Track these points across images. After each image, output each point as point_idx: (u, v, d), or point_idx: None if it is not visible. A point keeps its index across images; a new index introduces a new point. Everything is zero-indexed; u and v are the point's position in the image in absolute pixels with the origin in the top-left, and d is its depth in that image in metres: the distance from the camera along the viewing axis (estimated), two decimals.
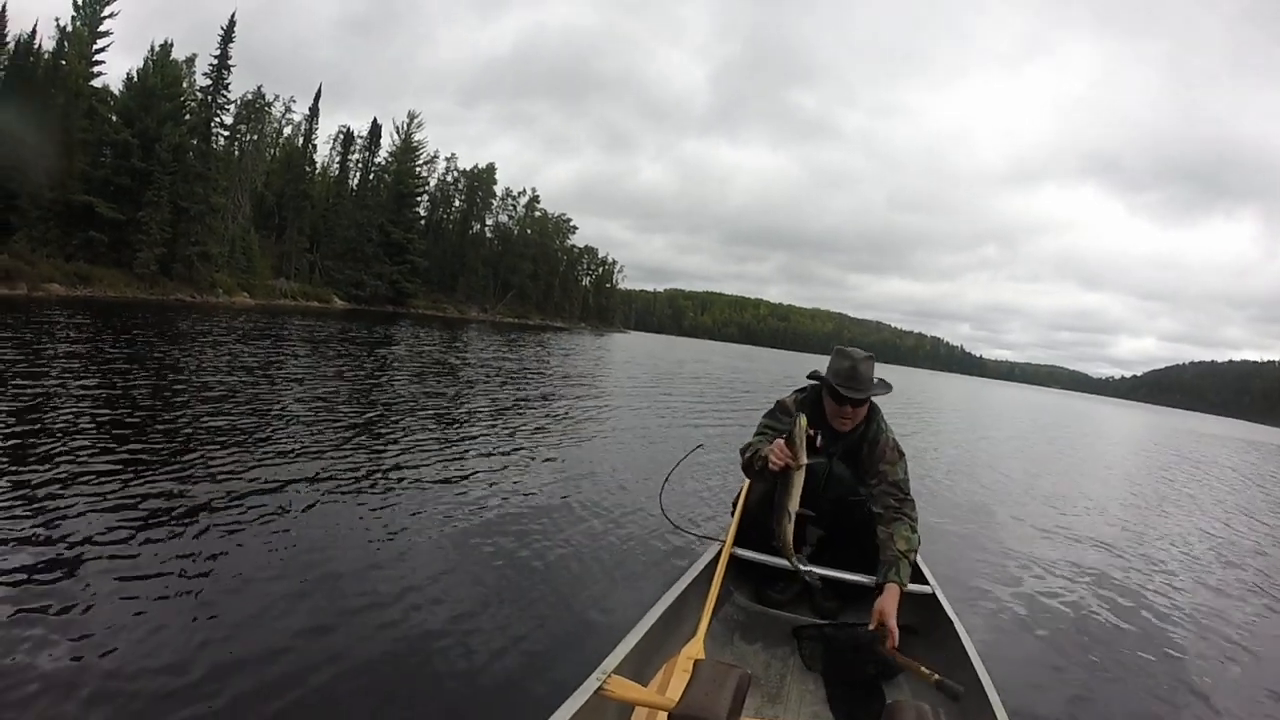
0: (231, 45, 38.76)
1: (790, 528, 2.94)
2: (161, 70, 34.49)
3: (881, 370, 3.32)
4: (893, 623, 2.75)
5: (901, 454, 3.33)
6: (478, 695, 2.79)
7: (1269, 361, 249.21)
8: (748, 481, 3.73)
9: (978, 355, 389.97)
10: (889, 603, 2.80)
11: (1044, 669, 3.81)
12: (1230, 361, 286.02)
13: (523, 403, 11.74)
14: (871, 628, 2.85)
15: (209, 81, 39.00)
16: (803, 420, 2.91)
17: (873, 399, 3.30)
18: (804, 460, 2.90)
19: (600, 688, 1.83)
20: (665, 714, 1.60)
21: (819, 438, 3.25)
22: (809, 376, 3.43)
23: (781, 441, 2.95)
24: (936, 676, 2.34)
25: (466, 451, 7.13)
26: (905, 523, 3.13)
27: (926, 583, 3.29)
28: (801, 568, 3.03)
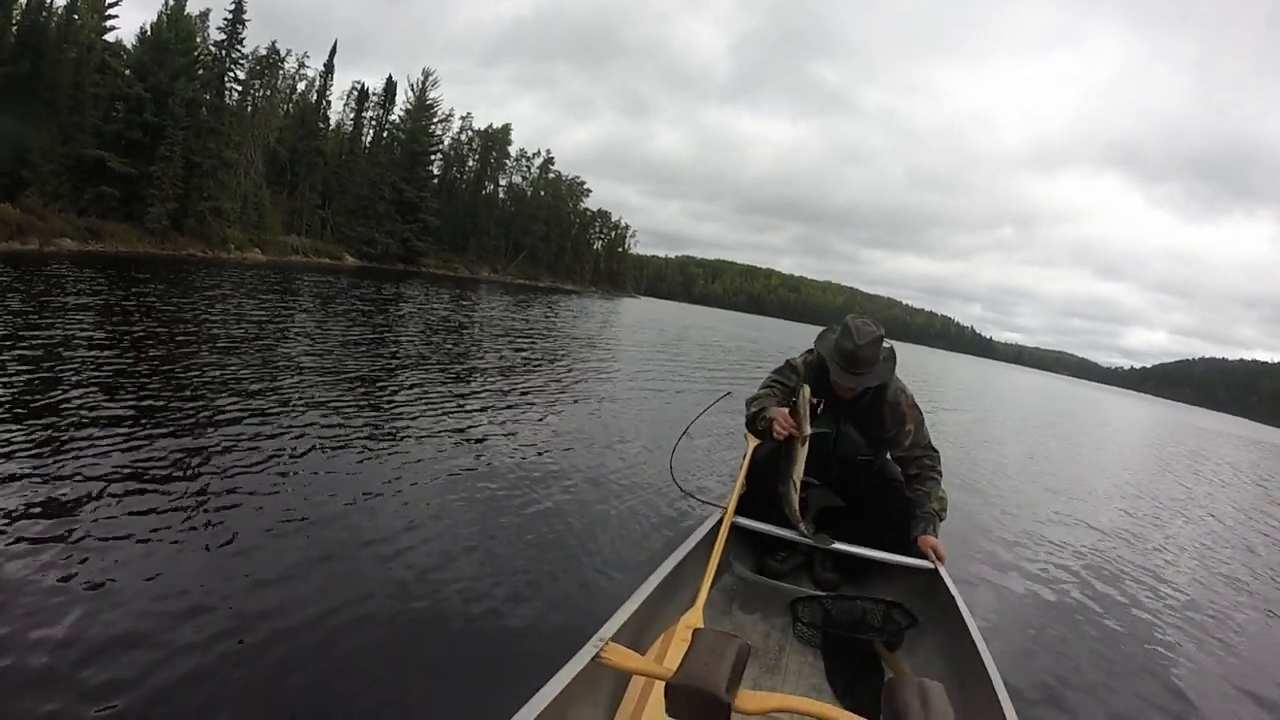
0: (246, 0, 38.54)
1: (796, 495, 3.05)
2: (175, 25, 34.23)
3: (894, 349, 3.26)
4: (942, 551, 3.09)
5: (920, 411, 3.42)
6: (476, 659, 2.83)
7: (1279, 362, 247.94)
8: (750, 449, 3.85)
9: (987, 337, 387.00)
10: (933, 541, 3.14)
11: (1044, 648, 3.86)
12: (1241, 360, 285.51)
13: (529, 363, 11.97)
14: (927, 562, 3.10)
15: (223, 36, 38.81)
16: (806, 391, 2.98)
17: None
18: (808, 431, 3.00)
19: (598, 655, 1.82)
20: (663, 683, 1.57)
21: (821, 406, 3.22)
22: (815, 340, 3.41)
23: (786, 411, 3.04)
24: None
25: (473, 411, 7.23)
26: (938, 481, 3.34)
27: (927, 557, 3.26)
28: (808, 534, 3.11)
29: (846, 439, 3.31)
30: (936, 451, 3.40)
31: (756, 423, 3.27)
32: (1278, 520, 11.12)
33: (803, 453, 3.01)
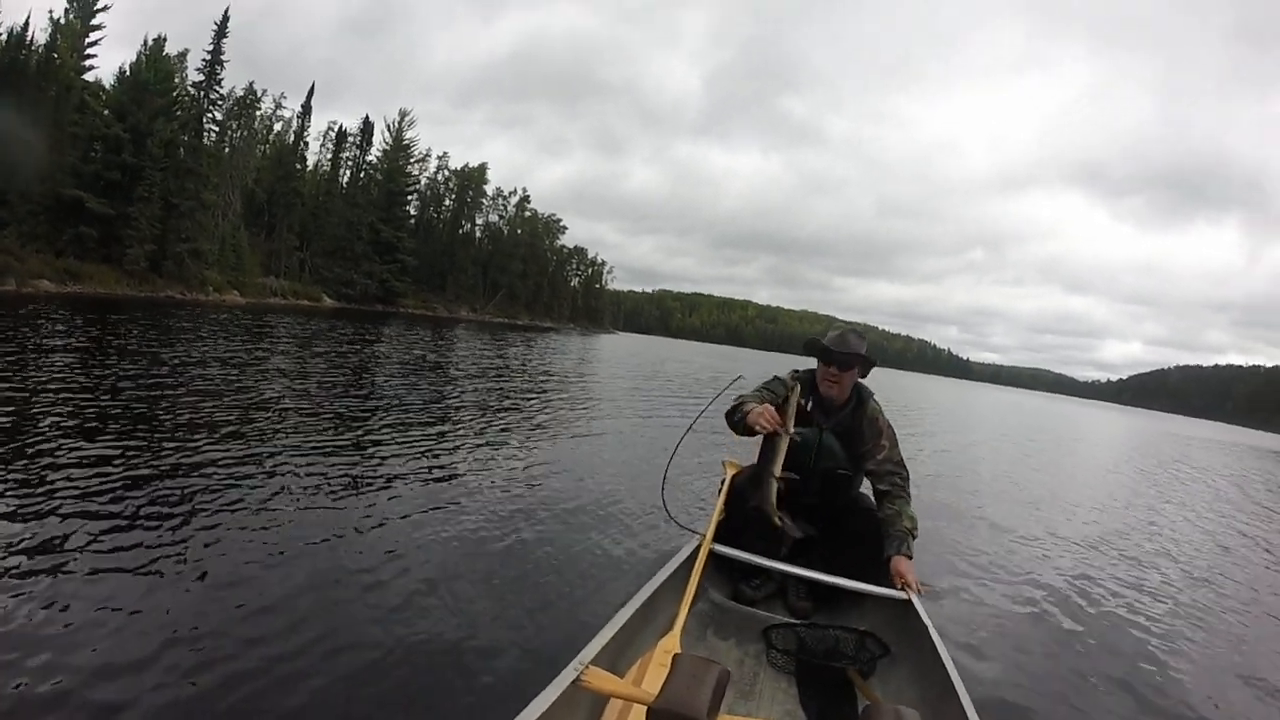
0: (225, 41, 38.58)
1: (774, 490, 3.09)
2: (154, 65, 34.14)
3: (871, 374, 3.54)
4: (913, 579, 3.07)
5: (894, 431, 3.55)
6: (456, 683, 2.82)
7: (1252, 366, 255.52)
8: (728, 476, 3.89)
9: (964, 358, 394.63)
10: (905, 565, 3.13)
11: (1018, 673, 3.81)
12: (1215, 366, 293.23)
13: (509, 400, 11.88)
14: (900, 593, 3.07)
15: (201, 77, 38.76)
16: (797, 389, 3.09)
17: (863, 388, 3.57)
18: (792, 427, 3.07)
19: (578, 678, 1.83)
20: (642, 706, 1.59)
21: (809, 404, 3.39)
22: (804, 345, 3.53)
23: (772, 407, 3.11)
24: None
25: (452, 447, 7.19)
26: (908, 500, 3.40)
27: (899, 584, 3.28)
28: (786, 525, 3.15)
29: (828, 450, 3.43)
30: (907, 471, 3.49)
31: (734, 415, 3.31)
32: (1258, 525, 11.20)
33: (784, 448, 3.08)
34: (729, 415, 3.38)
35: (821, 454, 3.43)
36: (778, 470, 3.09)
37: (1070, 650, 4.27)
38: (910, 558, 3.21)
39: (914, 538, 3.30)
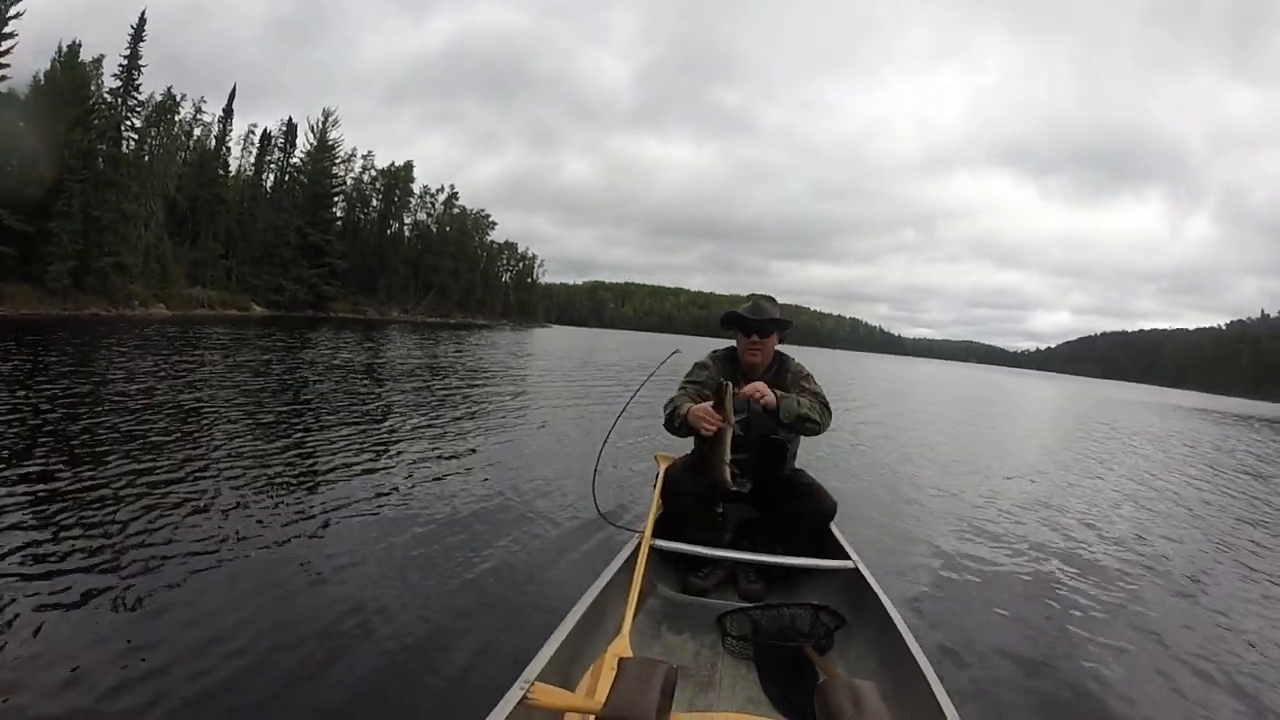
0: (142, 45, 37.26)
1: (727, 473, 3.16)
2: (70, 72, 33.04)
3: (801, 352, 3.75)
4: (762, 389, 3.21)
5: (816, 381, 3.62)
6: (398, 712, 2.75)
7: (1177, 329, 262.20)
8: (662, 470, 3.85)
9: (897, 334, 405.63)
10: (764, 387, 3.24)
11: (974, 637, 3.85)
12: (1141, 331, 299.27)
13: (440, 400, 12.00)
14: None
15: (118, 83, 37.39)
16: (729, 386, 3.11)
17: (782, 353, 3.67)
18: (733, 420, 3.13)
19: (524, 697, 1.79)
20: (593, 717, 1.55)
21: (738, 389, 3.29)
22: (721, 320, 3.65)
23: (709, 407, 3.14)
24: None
25: (384, 452, 7.21)
26: (819, 408, 3.43)
27: (848, 557, 3.29)
28: (739, 490, 3.33)
29: (760, 419, 3.39)
30: (829, 406, 3.52)
31: (674, 421, 3.36)
32: (1182, 475, 11.92)
33: (728, 438, 3.14)
34: (668, 422, 3.42)
35: (753, 421, 3.41)
36: (728, 457, 3.15)
37: (1022, 607, 4.39)
38: (780, 400, 3.26)
39: (796, 403, 3.33)
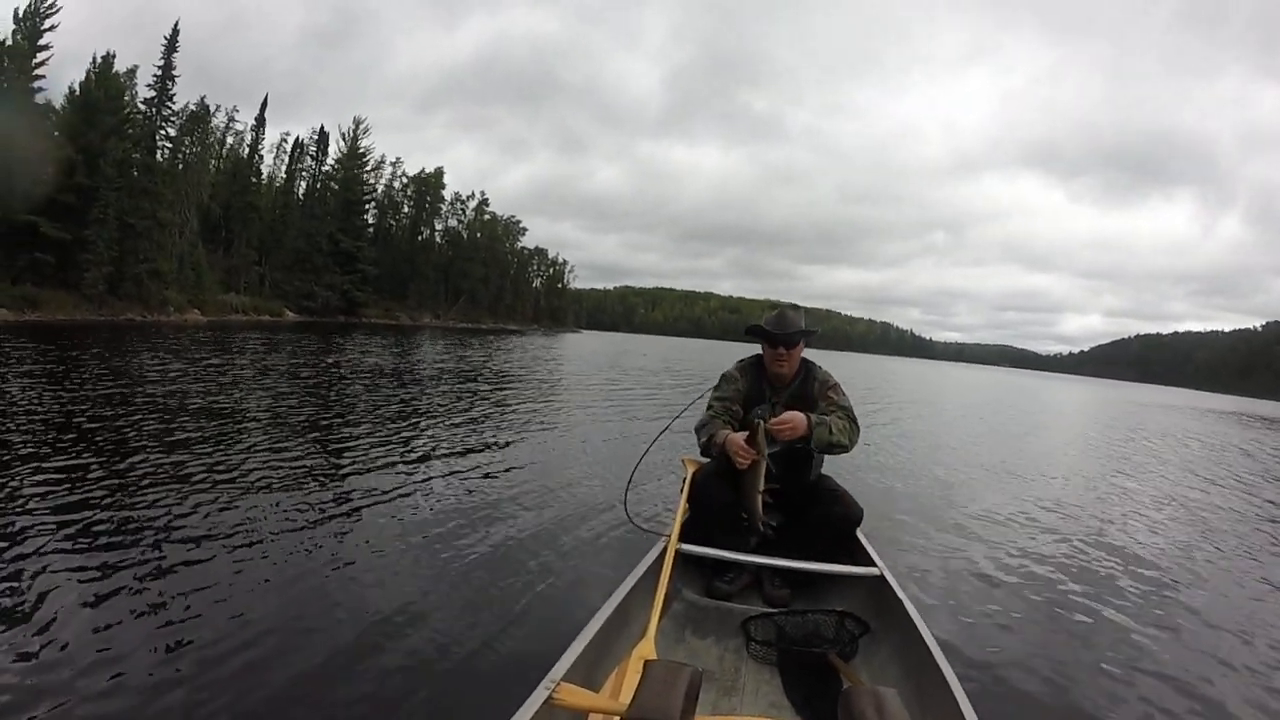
0: (176, 55, 37.93)
1: (760, 504, 3.15)
2: (104, 83, 33.56)
3: (832, 357, 3.65)
4: (795, 425, 3.18)
5: (843, 391, 3.63)
6: (423, 709, 2.75)
7: (1211, 331, 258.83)
8: (689, 474, 3.85)
9: (927, 338, 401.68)
10: (797, 421, 3.20)
11: (999, 643, 3.79)
12: (1175, 333, 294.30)
13: (473, 405, 11.95)
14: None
15: (153, 93, 38.08)
16: (762, 425, 3.13)
17: (809, 360, 3.67)
18: (766, 453, 3.14)
19: (550, 697, 1.80)
20: (617, 718, 1.55)
21: (770, 418, 3.30)
22: (745, 331, 3.66)
23: (742, 440, 3.16)
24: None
25: (419, 457, 7.23)
26: (848, 426, 3.43)
27: (874, 564, 3.27)
28: (770, 530, 3.24)
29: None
30: (856, 420, 3.54)
31: (710, 449, 3.43)
32: (1222, 482, 11.54)
33: (762, 470, 3.15)
34: (704, 449, 3.51)
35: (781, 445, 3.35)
36: (761, 486, 3.15)
37: (1048, 616, 4.31)
38: (813, 426, 3.26)
39: (828, 429, 3.31)
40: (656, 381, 20.31)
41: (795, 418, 3.22)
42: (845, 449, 3.40)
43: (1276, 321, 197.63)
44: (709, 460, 3.74)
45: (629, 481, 4.20)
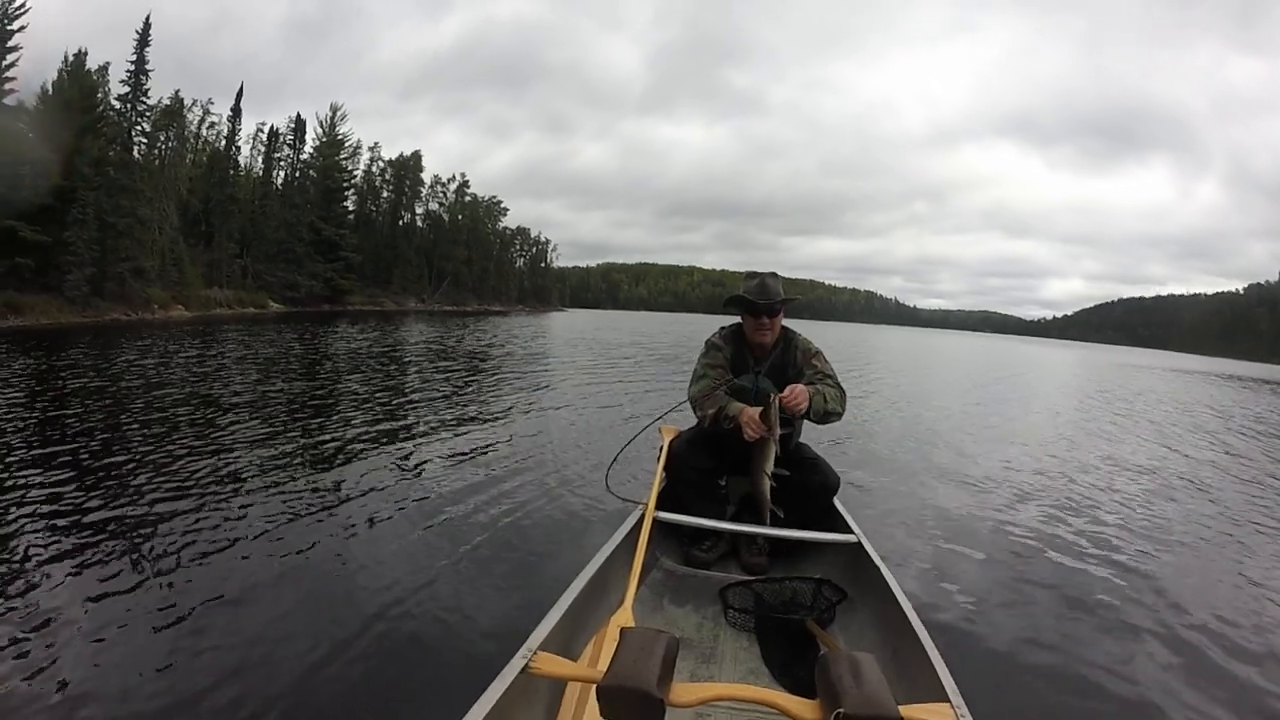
0: (148, 50, 37.23)
1: (767, 487, 3.17)
2: (77, 81, 33.09)
3: (816, 327, 3.70)
4: (800, 399, 3.17)
5: (825, 358, 3.63)
6: (406, 678, 2.83)
7: (1193, 295, 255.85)
8: (666, 441, 3.91)
9: (911, 306, 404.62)
10: (801, 394, 3.19)
11: (976, 610, 3.84)
12: (1157, 296, 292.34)
13: (457, 384, 12.24)
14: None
15: (127, 89, 37.48)
16: (777, 400, 3.10)
17: (788, 328, 3.67)
18: (778, 432, 3.12)
19: (527, 666, 1.81)
20: (595, 686, 1.53)
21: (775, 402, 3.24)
22: (724, 302, 3.62)
23: (755, 414, 3.17)
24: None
25: (402, 437, 7.43)
26: (837, 393, 3.44)
27: (851, 532, 3.30)
28: (779, 516, 3.24)
29: (765, 393, 3.30)
30: (841, 386, 3.53)
31: (721, 423, 3.35)
32: (1197, 440, 11.87)
33: (773, 449, 3.15)
34: (713, 421, 3.40)
35: (759, 398, 3.32)
36: (769, 469, 3.17)
37: (1025, 581, 4.35)
38: (809, 402, 3.24)
39: (821, 395, 3.32)
40: (631, 351, 20.60)
41: (799, 392, 3.21)
42: (839, 416, 3.43)
43: (1257, 284, 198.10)
44: (686, 429, 3.85)
45: (614, 459, 4.39)
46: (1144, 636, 3.69)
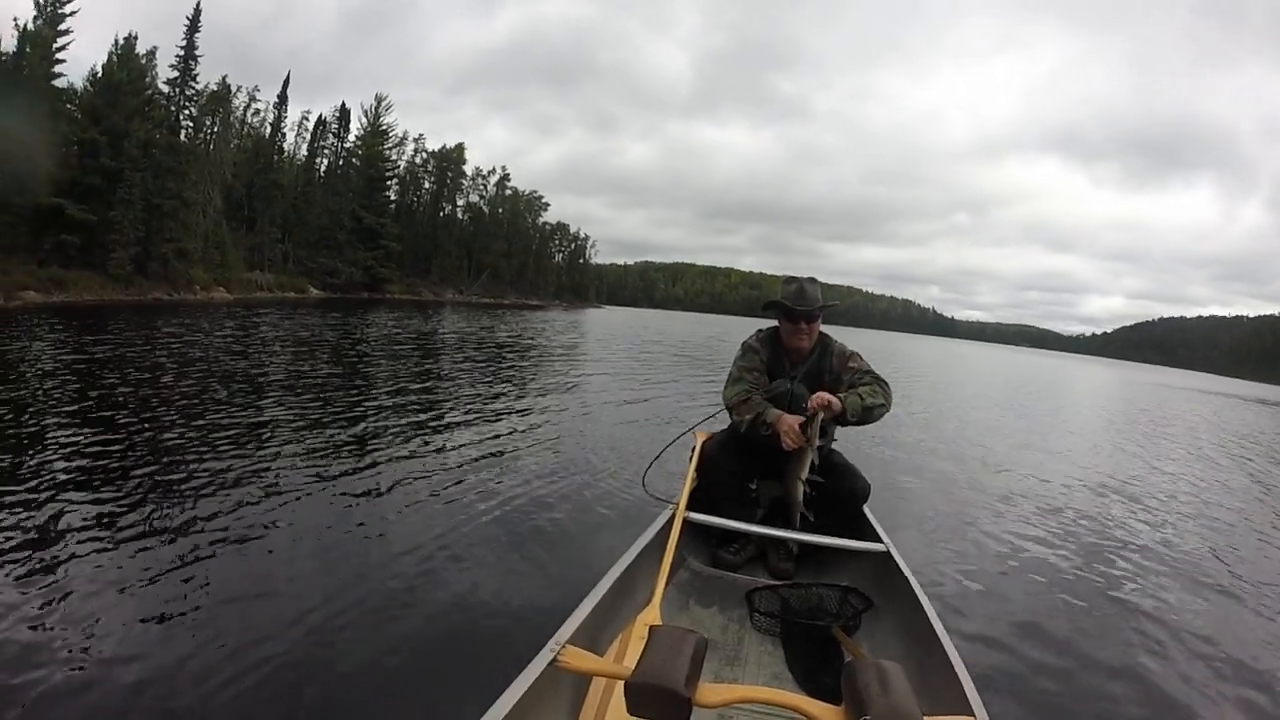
0: (198, 35, 37.97)
1: (800, 493, 3.16)
2: (126, 64, 33.69)
3: (853, 334, 3.50)
4: (827, 398, 3.12)
5: (862, 357, 3.59)
6: (433, 667, 2.84)
7: (1237, 317, 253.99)
8: (699, 443, 3.93)
9: (949, 316, 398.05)
10: (831, 399, 3.13)
11: (1002, 622, 3.80)
12: (1199, 317, 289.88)
13: (495, 376, 12.29)
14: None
15: (176, 74, 38.17)
16: (820, 414, 3.10)
17: (824, 333, 3.61)
18: (816, 443, 3.15)
19: (555, 659, 1.83)
20: (622, 682, 1.52)
21: (776, 357, 3.48)
22: (763, 306, 3.60)
23: (796, 423, 3.16)
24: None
25: (438, 429, 7.37)
26: (878, 389, 3.35)
27: (880, 540, 3.29)
28: (810, 519, 3.21)
29: (799, 398, 3.38)
30: (884, 380, 3.45)
31: (759, 430, 3.33)
32: (1241, 470, 11.41)
33: (809, 457, 3.15)
34: (750, 427, 3.37)
35: (794, 403, 3.38)
36: (804, 476, 3.16)
37: (1053, 596, 4.32)
38: (844, 402, 3.19)
39: (860, 400, 3.25)
40: (676, 351, 20.36)
41: (828, 399, 3.14)
42: (885, 408, 3.33)
43: None
44: (719, 431, 3.86)
45: (652, 461, 4.42)
46: (1174, 662, 3.59)
